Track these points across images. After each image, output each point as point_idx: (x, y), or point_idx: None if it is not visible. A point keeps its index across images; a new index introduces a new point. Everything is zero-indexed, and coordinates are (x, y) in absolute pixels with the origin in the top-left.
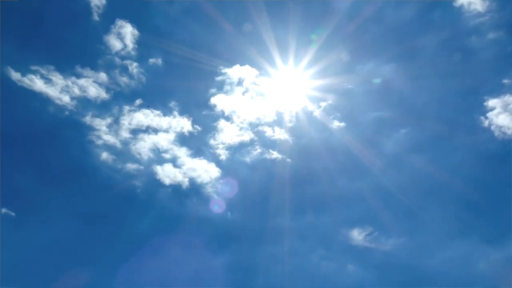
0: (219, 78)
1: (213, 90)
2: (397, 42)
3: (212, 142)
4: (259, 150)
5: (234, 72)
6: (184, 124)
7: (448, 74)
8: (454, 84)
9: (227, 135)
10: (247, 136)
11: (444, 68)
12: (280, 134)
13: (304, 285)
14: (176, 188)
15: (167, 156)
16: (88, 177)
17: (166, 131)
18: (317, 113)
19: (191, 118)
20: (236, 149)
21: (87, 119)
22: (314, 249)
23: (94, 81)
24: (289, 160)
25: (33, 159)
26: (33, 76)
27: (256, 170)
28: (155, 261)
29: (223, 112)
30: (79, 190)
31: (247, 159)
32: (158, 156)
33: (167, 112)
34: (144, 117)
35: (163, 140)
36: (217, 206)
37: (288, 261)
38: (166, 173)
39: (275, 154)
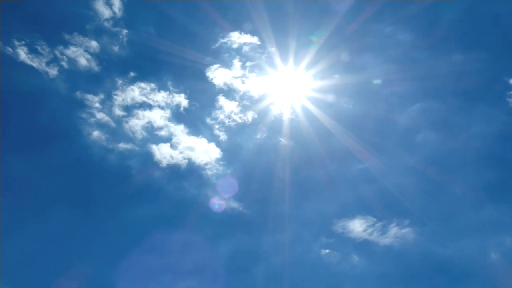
0: (216, 47)
1: (209, 59)
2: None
3: (210, 120)
4: (261, 132)
5: (233, 40)
6: (180, 100)
7: (468, 46)
8: (475, 57)
9: (227, 113)
10: (249, 116)
11: (464, 40)
12: (283, 116)
13: (306, 275)
14: (173, 169)
15: (163, 134)
16: (80, 158)
17: (162, 107)
18: (322, 95)
19: (188, 92)
20: (237, 129)
21: (78, 94)
22: (318, 237)
23: (85, 50)
24: (292, 143)
25: (19, 140)
26: (16, 43)
27: (258, 153)
28: (152, 247)
29: (222, 88)
30: (70, 171)
31: (249, 141)
32: (154, 135)
33: (161, 86)
34: (139, 91)
35: (159, 117)
36: (217, 205)
37: (289, 250)
38: (163, 153)
39: (278, 137)
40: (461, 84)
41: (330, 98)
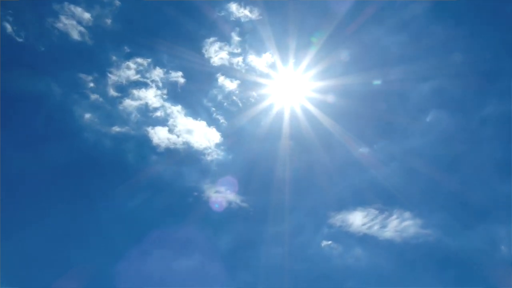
0: (214, 19)
1: (207, 32)
2: None
3: (209, 102)
4: (263, 117)
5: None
6: (177, 78)
7: (487, 20)
8: (493, 32)
9: (227, 93)
10: (251, 98)
11: (484, 14)
12: (284, 114)
13: (306, 267)
14: (171, 153)
15: (160, 115)
16: (73, 145)
17: (158, 86)
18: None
19: (185, 69)
20: (238, 112)
21: (70, 72)
22: (319, 228)
23: (78, 22)
24: (294, 133)
25: (4, 123)
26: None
27: (260, 139)
28: (151, 238)
29: (219, 67)
30: (63, 160)
31: (250, 126)
32: (150, 116)
33: (157, 61)
34: (134, 67)
35: (155, 97)
36: (217, 205)
37: (289, 241)
38: (160, 137)
39: (280, 126)
40: (474, 63)
41: (330, 97)
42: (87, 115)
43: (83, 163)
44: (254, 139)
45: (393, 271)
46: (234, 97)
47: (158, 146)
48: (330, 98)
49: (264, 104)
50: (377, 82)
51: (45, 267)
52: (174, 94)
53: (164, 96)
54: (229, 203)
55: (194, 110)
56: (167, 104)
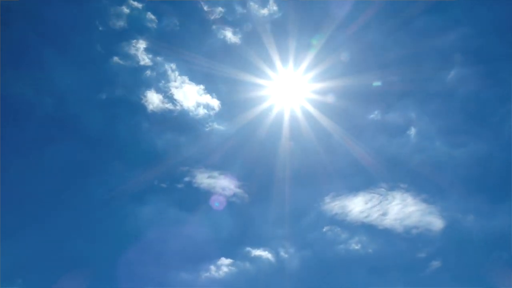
0: None
1: None
2: None
3: (206, 59)
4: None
5: None
6: (172, 26)
7: None
8: None
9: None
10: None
11: None
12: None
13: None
14: (164, 120)
15: (153, 74)
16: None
17: (151, 36)
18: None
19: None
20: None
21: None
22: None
23: None
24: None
25: None
26: None
27: (261, 141)
28: (147, 219)
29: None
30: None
31: (251, 126)
32: (142, 76)
33: (149, 7)
34: (128, 12)
35: (146, 55)
36: (217, 203)
37: (289, 226)
38: (153, 101)
39: (281, 124)
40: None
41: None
42: (70, 79)
43: (70, 140)
44: (255, 137)
45: (396, 258)
46: (236, 53)
47: (152, 111)
48: (330, 99)
49: (263, 106)
50: (377, 83)
51: (44, 267)
52: (168, 47)
53: (158, 52)
54: (224, 189)
55: (190, 69)
56: (159, 59)
